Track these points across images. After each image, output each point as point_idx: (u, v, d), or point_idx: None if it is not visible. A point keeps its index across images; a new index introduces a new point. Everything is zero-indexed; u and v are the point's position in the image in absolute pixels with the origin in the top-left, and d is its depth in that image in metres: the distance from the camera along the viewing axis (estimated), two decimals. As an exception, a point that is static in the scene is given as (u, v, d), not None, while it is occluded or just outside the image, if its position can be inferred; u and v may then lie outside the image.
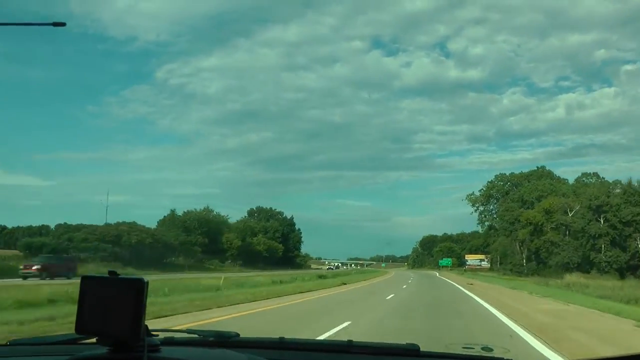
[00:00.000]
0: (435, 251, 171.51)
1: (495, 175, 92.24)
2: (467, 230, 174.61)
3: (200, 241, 79.34)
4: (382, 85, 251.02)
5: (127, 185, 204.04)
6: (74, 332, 1.56)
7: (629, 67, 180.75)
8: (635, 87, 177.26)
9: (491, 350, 3.75)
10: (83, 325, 1.51)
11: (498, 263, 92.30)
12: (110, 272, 1.52)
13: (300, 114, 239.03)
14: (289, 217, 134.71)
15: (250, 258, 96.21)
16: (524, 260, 77.21)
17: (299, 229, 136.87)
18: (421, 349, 1.96)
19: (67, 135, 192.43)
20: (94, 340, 1.58)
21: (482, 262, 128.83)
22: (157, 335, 1.77)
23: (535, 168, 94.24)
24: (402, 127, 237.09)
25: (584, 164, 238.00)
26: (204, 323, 11.95)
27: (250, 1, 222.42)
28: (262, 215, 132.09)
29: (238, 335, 2.14)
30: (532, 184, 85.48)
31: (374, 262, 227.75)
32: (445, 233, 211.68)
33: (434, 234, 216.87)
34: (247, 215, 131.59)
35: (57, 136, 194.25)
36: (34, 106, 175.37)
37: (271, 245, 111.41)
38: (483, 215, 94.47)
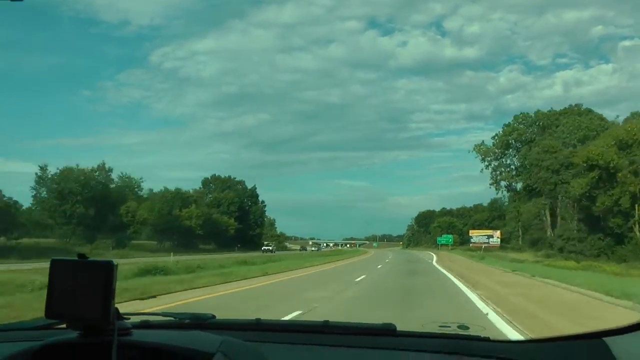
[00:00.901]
0: (433, 227, 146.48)
1: (514, 117, 64.38)
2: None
3: (80, 212, 53.09)
4: (378, 66, 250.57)
5: (124, 170, 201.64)
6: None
7: (626, 43, 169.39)
8: (633, 63, 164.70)
9: (467, 328, 2.99)
10: (53, 310, 1.46)
11: (520, 239, 65.97)
12: (79, 255, 1.47)
13: (297, 95, 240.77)
14: (249, 188, 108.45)
15: (178, 236, 70.06)
16: (576, 232, 48.94)
17: (262, 202, 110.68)
18: (398, 329, 1.95)
19: (63, 121, 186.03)
20: (64, 325, 1.55)
21: (490, 239, 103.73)
22: (129, 319, 1.69)
23: (568, 106, 66.75)
24: (399, 107, 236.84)
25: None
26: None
27: None
28: (217, 186, 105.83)
29: (214, 316, 2.10)
30: (573, 119, 58.69)
31: (367, 242, 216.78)
32: (444, 208, 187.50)
33: (432, 209, 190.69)
34: (201, 187, 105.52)
35: (52, 122, 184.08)
36: (28, 92, 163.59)
37: (218, 220, 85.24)
38: (497, 173, 67.52)
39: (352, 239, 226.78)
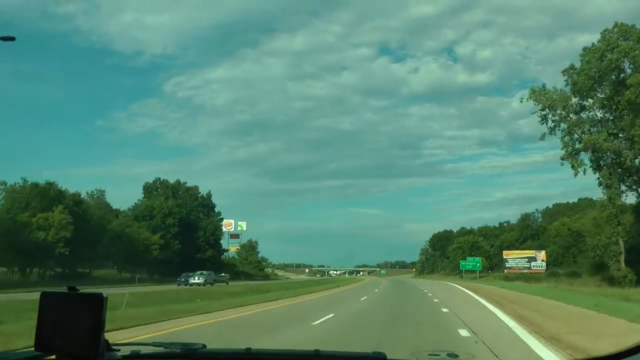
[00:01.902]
0: (452, 250, 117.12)
1: (601, 34, 34.36)
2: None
3: None
4: (390, 92, 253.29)
5: (136, 199, 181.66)
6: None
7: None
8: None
9: (457, 356, 3.47)
10: (42, 342, 1.49)
11: (622, 259, 36.91)
12: (69, 288, 1.50)
13: (309, 123, 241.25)
14: (202, 195, 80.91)
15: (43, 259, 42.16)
16: None
17: (219, 214, 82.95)
18: (387, 357, 1.93)
19: (76, 151, 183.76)
20: (53, 357, 1.55)
21: (533, 263, 75.21)
22: (119, 350, 1.73)
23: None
24: (412, 133, 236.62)
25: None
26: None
27: (256, 11, 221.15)
28: (162, 192, 78.50)
29: (204, 346, 2.09)
30: None
31: (377, 269, 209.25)
32: (463, 227, 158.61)
33: (449, 229, 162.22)
34: (142, 196, 78.38)
35: (66, 152, 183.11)
36: (42, 122, 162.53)
37: (135, 236, 57.56)
38: (575, 136, 36.39)
39: (364, 266, 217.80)
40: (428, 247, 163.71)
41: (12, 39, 14.82)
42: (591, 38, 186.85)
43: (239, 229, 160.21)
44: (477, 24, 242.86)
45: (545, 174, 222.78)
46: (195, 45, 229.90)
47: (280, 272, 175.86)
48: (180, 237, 70.11)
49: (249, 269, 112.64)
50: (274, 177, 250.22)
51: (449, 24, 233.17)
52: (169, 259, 67.12)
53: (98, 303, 1.42)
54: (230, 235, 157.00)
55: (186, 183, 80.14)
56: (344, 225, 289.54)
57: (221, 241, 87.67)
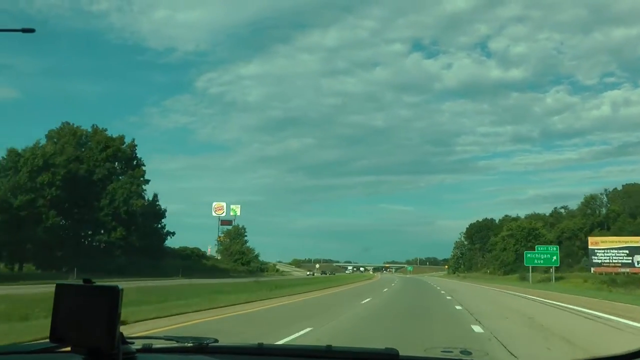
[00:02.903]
0: (499, 239, 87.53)
1: None
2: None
3: None
4: (423, 88, 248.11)
5: (169, 194, 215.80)
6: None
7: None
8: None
9: (470, 353, 3.44)
10: (57, 334, 1.47)
11: None
12: (85, 280, 1.49)
13: (341, 119, 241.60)
14: (124, 146, 53.37)
15: None
16: None
17: (143, 175, 55.10)
18: (400, 353, 1.97)
19: None
20: (68, 348, 1.54)
21: (637, 257, 46.35)
22: (133, 343, 1.72)
23: None
24: (444, 129, 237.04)
25: (632, 163, 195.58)
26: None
27: (289, 7, 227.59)
28: (69, 142, 51.42)
29: (217, 341, 2.11)
30: None
31: (404, 266, 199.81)
32: (507, 215, 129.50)
33: (489, 217, 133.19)
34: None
35: None
36: (75, 118, 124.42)
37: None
38: None
39: (393, 262, 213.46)
40: (463, 239, 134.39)
41: (32, 30, 15.08)
42: (626, 32, 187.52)
43: (231, 213, 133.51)
44: (511, 18, 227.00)
45: (579, 171, 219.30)
46: (227, 42, 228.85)
47: (286, 269, 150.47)
48: (67, 206, 43.17)
49: (227, 264, 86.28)
50: (306, 173, 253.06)
51: (482, 18, 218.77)
52: (46, 241, 40.36)
53: (114, 295, 1.39)
54: (221, 221, 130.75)
55: (106, 130, 53.04)
56: (375, 222, 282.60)
57: (164, 220, 59.71)
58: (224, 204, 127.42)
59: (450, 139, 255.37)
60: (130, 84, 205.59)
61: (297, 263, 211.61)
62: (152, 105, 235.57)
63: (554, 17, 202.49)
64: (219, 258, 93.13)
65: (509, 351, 7.64)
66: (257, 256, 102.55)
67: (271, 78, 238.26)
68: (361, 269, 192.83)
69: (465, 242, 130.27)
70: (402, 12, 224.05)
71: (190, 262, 72.35)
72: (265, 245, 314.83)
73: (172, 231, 61.68)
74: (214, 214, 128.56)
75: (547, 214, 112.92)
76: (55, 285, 1.52)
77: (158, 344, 2.09)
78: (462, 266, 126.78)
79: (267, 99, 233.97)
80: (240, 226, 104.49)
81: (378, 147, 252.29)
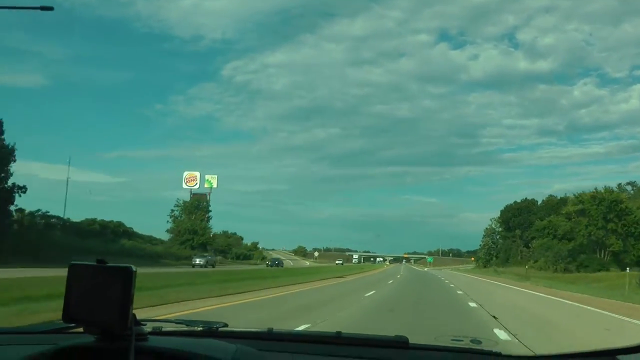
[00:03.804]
0: (547, 223, 61.67)
1: None
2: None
3: None
4: (449, 79, 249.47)
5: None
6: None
7: None
8: None
9: (480, 342, 2.96)
10: (70, 314, 1.46)
11: None
12: (98, 260, 1.47)
13: (366, 109, 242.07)
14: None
15: None
16: None
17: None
18: (410, 341, 1.98)
19: (136, 133, 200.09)
20: (81, 329, 1.55)
21: None
22: (145, 325, 1.69)
23: None
24: (470, 121, 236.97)
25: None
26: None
27: None
28: None
29: (226, 325, 2.12)
30: None
31: (424, 257, 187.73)
32: (551, 195, 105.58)
33: (530, 197, 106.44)
34: None
35: (126, 134, 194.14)
36: (103, 106, 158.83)
37: None
38: None
39: (414, 253, 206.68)
40: (494, 225, 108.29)
41: (51, 8, 15.28)
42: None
43: (206, 185, 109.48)
44: (539, 9, 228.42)
45: (606, 165, 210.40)
46: (253, 30, 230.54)
47: (286, 257, 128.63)
48: None
49: (175, 248, 61.87)
50: (330, 163, 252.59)
51: (510, 9, 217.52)
52: None
53: (127, 276, 1.38)
54: (193, 194, 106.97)
55: None
56: (399, 213, 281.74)
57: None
58: (197, 174, 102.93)
59: (476, 130, 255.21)
60: (156, 72, 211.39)
61: (302, 252, 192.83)
62: (178, 93, 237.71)
63: (583, 7, 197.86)
64: (164, 240, 68.71)
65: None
66: (240, 239, 79.05)
67: (297, 67, 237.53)
68: (379, 259, 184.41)
69: (499, 230, 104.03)
70: (428, 2, 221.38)
71: (98, 242, 48.42)
72: (286, 233, 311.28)
73: (21, 185, 37.27)
74: (184, 185, 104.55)
75: (598, 189, 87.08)
76: (69, 265, 1.48)
77: (168, 327, 2.07)
78: (494, 258, 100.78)
79: (293, 87, 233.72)
80: (207, 199, 79.40)
81: (403, 137, 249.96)
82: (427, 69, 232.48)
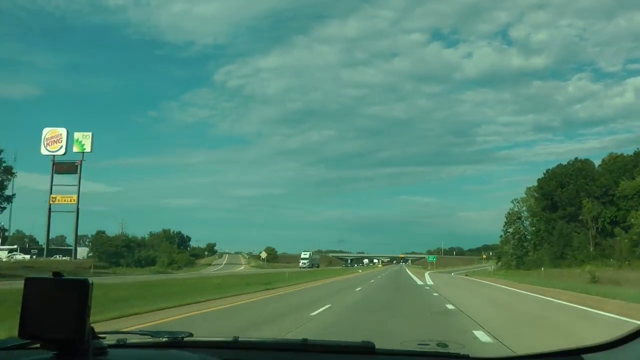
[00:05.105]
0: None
1: None
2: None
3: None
4: (443, 78, 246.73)
5: (189, 189, 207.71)
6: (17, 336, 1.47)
7: None
8: None
9: (446, 346, 3.27)
10: (27, 330, 1.40)
11: None
12: (54, 274, 1.43)
13: (361, 110, 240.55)
14: None
15: None
16: None
17: None
18: (376, 347, 1.94)
19: (129, 141, 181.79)
20: (38, 345, 1.52)
21: None
22: (105, 338, 1.67)
23: None
24: (465, 120, 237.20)
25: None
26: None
27: None
28: None
29: (191, 335, 2.08)
30: None
31: (424, 257, 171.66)
32: (612, 152, 65.83)
33: (582, 157, 63.42)
34: None
35: (120, 142, 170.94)
36: (96, 113, 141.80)
37: None
38: None
39: (412, 253, 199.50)
40: (528, 205, 72.43)
41: None
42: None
43: (75, 149, 72.17)
44: (532, 5, 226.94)
45: None
46: (245, 34, 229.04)
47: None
48: None
49: None
50: (328, 165, 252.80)
51: (502, 6, 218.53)
52: None
53: (83, 289, 1.34)
54: (55, 164, 70.56)
55: None
56: (396, 214, 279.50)
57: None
58: (63, 132, 67.39)
59: (471, 129, 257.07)
60: (148, 79, 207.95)
61: (273, 254, 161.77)
62: (171, 100, 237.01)
63: (576, 2, 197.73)
64: None
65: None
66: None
67: (290, 70, 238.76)
68: (365, 260, 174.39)
69: (537, 206, 67.78)
70: (420, 1, 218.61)
71: None
72: (281, 238, 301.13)
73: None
74: (44, 151, 68.60)
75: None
76: (24, 280, 1.42)
77: (132, 339, 2.02)
78: (529, 254, 64.74)
79: (287, 91, 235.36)
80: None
81: (398, 138, 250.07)
82: (421, 69, 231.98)
